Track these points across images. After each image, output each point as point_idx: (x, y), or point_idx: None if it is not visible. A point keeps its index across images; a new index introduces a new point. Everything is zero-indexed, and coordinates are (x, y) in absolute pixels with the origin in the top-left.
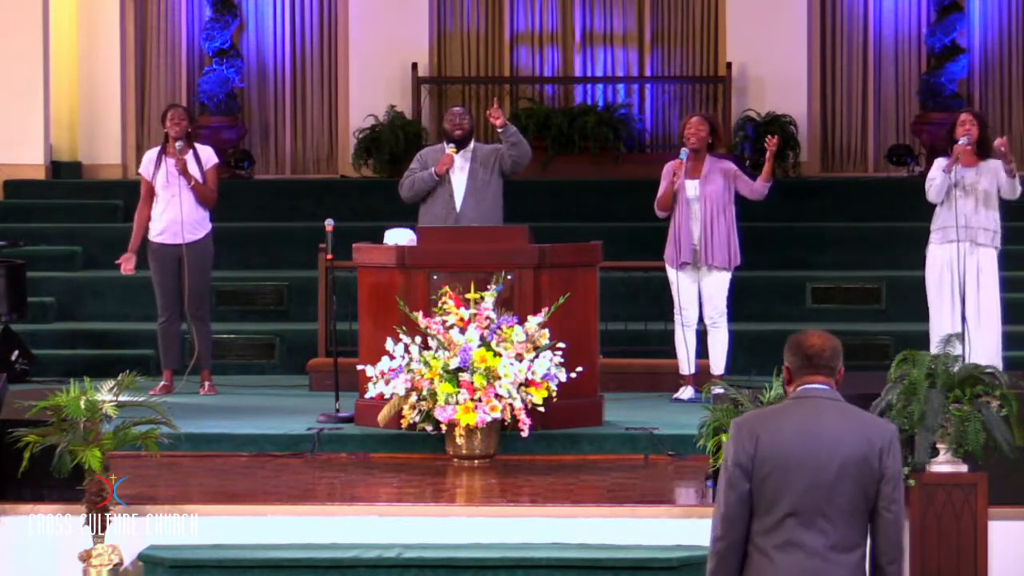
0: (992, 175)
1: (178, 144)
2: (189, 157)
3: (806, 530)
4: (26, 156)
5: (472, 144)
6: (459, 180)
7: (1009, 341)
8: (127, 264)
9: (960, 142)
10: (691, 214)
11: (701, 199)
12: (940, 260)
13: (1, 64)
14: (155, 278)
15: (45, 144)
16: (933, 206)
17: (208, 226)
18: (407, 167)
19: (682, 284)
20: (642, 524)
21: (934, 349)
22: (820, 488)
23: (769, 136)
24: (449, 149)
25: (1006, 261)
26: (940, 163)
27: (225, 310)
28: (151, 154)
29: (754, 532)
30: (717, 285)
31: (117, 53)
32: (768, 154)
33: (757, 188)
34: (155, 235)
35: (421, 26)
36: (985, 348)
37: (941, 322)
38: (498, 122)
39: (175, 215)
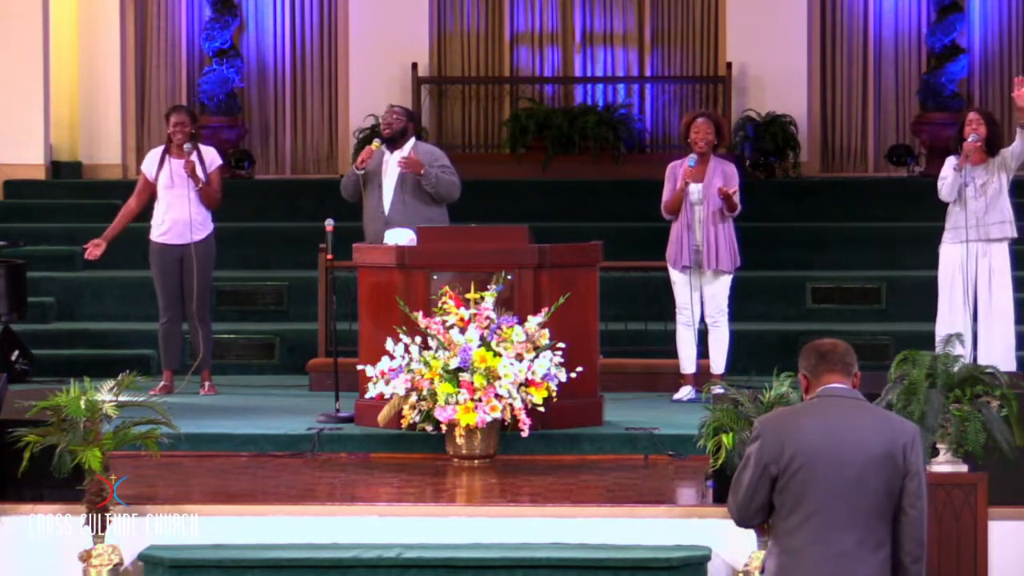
0: (1001, 169)
1: (187, 146)
2: (195, 158)
3: (832, 529)
4: (26, 156)
5: (410, 144)
6: (389, 182)
7: (1022, 341)
8: (95, 249)
9: (969, 139)
10: (695, 216)
11: (705, 202)
12: (952, 261)
13: (1, 64)
14: (157, 279)
15: (45, 144)
16: (934, 206)
17: (211, 226)
18: None
19: (684, 284)
20: (642, 524)
21: (939, 348)
22: (845, 486)
23: (722, 189)
24: (374, 143)
25: (1018, 260)
26: (951, 162)
27: (225, 310)
28: (154, 154)
29: (780, 532)
30: (719, 286)
31: (117, 53)
32: (723, 199)
33: (728, 213)
34: (159, 235)
35: (421, 26)
36: (998, 348)
37: (949, 322)
38: (402, 168)
39: (180, 215)
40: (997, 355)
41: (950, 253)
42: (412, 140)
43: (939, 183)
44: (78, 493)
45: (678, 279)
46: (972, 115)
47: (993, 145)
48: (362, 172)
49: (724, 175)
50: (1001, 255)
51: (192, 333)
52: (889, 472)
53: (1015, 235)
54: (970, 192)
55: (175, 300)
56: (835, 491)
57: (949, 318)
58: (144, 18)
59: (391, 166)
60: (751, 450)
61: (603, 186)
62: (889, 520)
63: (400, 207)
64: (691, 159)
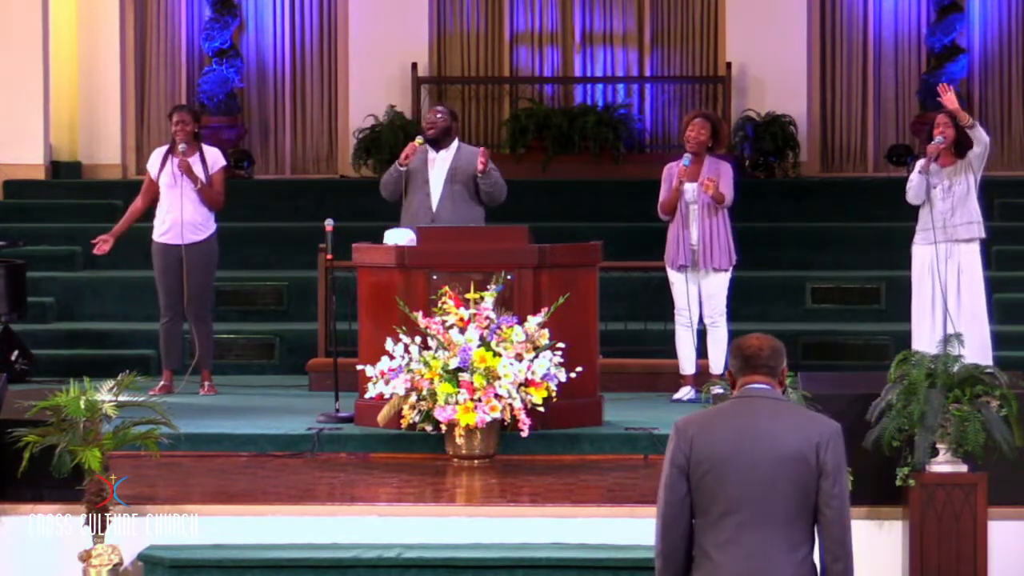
0: (969, 170)
1: (181, 146)
2: (195, 159)
3: (745, 529)
4: (26, 156)
5: (455, 144)
6: (436, 180)
7: (999, 341)
8: (103, 245)
9: (935, 141)
10: (690, 216)
11: (700, 201)
12: (922, 262)
13: (1, 64)
14: (158, 278)
15: (45, 144)
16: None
17: (212, 227)
18: None
19: (682, 285)
20: (642, 524)
21: (915, 347)
22: (756, 486)
23: (706, 181)
24: (417, 140)
25: (995, 262)
26: (920, 164)
27: (225, 310)
28: (158, 153)
29: (696, 532)
30: (717, 285)
31: (117, 53)
32: (709, 191)
33: (717, 203)
34: (159, 235)
35: (421, 26)
36: (974, 349)
37: (920, 323)
38: (480, 169)
39: (178, 215)
40: (976, 356)
41: (920, 254)
42: (456, 140)
43: (907, 185)
44: (78, 493)
45: (676, 279)
46: (940, 117)
47: (962, 147)
48: (404, 169)
49: (718, 174)
50: (970, 255)
51: (191, 333)
52: (801, 472)
53: (984, 235)
54: (938, 194)
55: (176, 300)
56: (746, 491)
57: (918, 318)
58: (144, 18)
59: (438, 164)
60: (666, 451)
61: (603, 186)
62: (808, 521)
63: (449, 204)
64: (686, 159)
